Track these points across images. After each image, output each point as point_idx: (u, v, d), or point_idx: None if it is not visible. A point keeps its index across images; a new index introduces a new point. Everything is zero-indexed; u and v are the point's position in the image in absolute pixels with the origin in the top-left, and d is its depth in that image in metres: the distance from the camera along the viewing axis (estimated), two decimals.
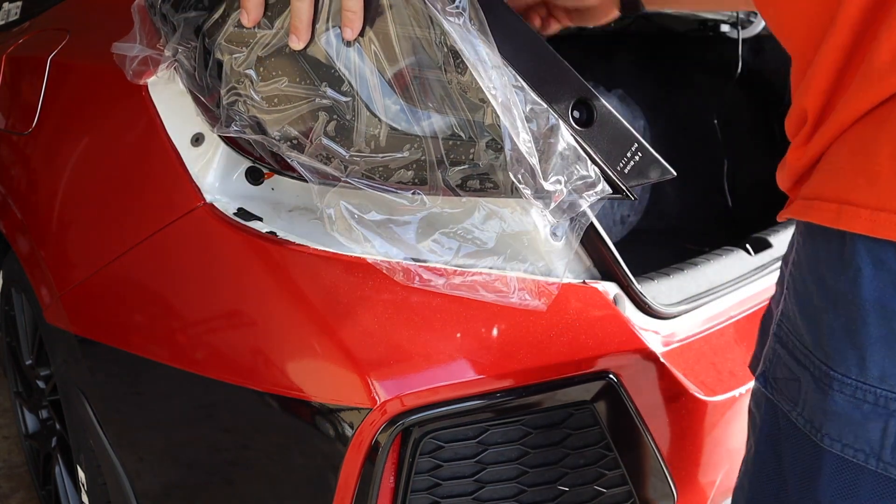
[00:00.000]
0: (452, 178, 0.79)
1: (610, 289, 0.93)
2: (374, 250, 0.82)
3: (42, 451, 1.59)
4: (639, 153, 0.83)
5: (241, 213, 0.89)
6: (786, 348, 0.62)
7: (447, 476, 0.85)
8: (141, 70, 0.91)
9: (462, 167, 0.79)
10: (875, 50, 0.52)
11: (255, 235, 0.87)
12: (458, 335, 0.83)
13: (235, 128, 0.81)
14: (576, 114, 0.80)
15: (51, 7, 1.51)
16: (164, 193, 0.94)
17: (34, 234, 1.19)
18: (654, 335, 0.96)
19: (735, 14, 1.88)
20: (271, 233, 0.86)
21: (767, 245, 1.28)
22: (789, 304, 0.63)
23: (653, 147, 0.85)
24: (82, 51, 1.22)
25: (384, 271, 0.83)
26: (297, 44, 0.76)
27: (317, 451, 0.85)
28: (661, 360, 0.92)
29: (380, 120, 0.78)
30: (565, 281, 0.88)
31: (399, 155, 0.78)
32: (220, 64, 0.82)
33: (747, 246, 1.26)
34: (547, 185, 0.77)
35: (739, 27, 1.91)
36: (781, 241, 1.30)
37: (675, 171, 0.85)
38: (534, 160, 0.75)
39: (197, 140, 0.92)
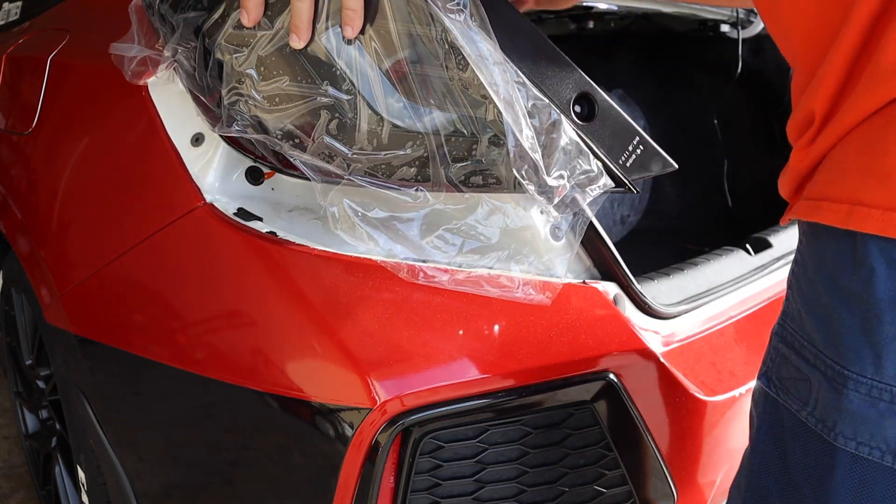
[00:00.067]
0: (455, 175, 0.79)
1: (610, 289, 0.93)
2: (378, 247, 0.82)
3: (42, 451, 1.59)
4: (640, 146, 0.83)
5: (241, 213, 0.89)
6: (792, 348, 0.62)
7: (447, 476, 0.85)
8: (140, 70, 0.91)
9: (465, 163, 0.79)
10: (882, 51, 0.52)
11: (255, 235, 0.87)
12: (458, 335, 0.83)
13: (237, 127, 0.81)
14: (577, 108, 0.81)
15: (51, 7, 1.51)
16: (164, 193, 0.94)
17: (34, 234, 1.19)
18: (654, 335, 0.96)
19: (735, 14, 1.88)
20: (271, 233, 0.86)
21: (767, 245, 1.28)
22: (794, 304, 0.63)
23: None
24: (82, 51, 1.22)
25: (389, 268, 0.83)
26: (297, 43, 0.76)
27: (317, 451, 0.85)
28: (661, 360, 0.92)
29: (382, 117, 0.78)
30: (565, 281, 0.88)
31: (401, 152, 0.79)
32: (220, 64, 0.82)
33: (747, 246, 1.26)
34: (550, 181, 0.77)
35: (739, 27, 1.91)
36: (781, 241, 1.30)
37: (675, 171, 0.85)
38: (537, 156, 0.76)
39: (197, 140, 0.92)
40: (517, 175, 0.76)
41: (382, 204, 0.83)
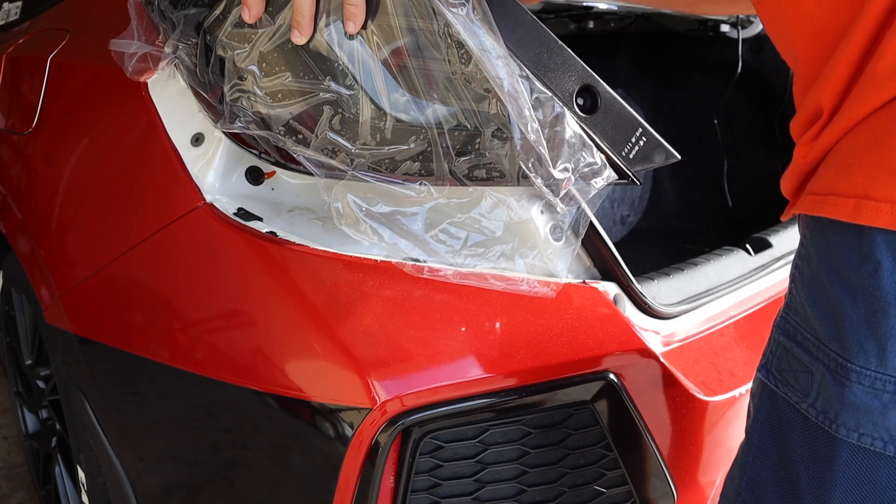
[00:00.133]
0: (459, 169, 0.79)
1: (610, 289, 0.93)
2: (383, 242, 0.82)
3: (42, 451, 1.59)
4: (643, 138, 0.83)
5: (241, 213, 0.89)
6: (794, 340, 0.63)
7: (447, 476, 0.85)
8: (141, 67, 0.91)
9: (468, 157, 0.79)
10: (888, 48, 0.54)
11: (255, 235, 0.87)
12: (459, 335, 0.83)
13: (240, 124, 0.81)
14: (580, 101, 0.81)
15: (51, 7, 1.51)
16: (165, 193, 0.94)
17: (34, 234, 1.19)
18: (654, 335, 0.96)
19: (735, 14, 1.88)
20: (271, 233, 0.86)
21: (767, 245, 1.28)
22: (797, 298, 0.63)
23: None
24: (82, 51, 1.22)
25: (394, 263, 0.83)
26: (299, 38, 0.76)
27: (317, 451, 0.85)
28: (661, 360, 0.92)
29: (384, 112, 0.78)
30: (566, 281, 0.88)
31: (405, 147, 0.79)
32: (222, 60, 0.82)
33: (747, 246, 1.26)
34: (556, 173, 0.78)
35: (739, 27, 1.91)
36: (781, 240, 1.30)
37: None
38: (542, 149, 0.76)
39: (197, 140, 0.92)
40: (524, 168, 0.77)
41: (386, 199, 0.83)
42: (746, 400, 0.99)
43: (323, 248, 0.85)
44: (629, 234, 2.19)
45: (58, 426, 1.49)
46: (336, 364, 0.82)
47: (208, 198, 0.90)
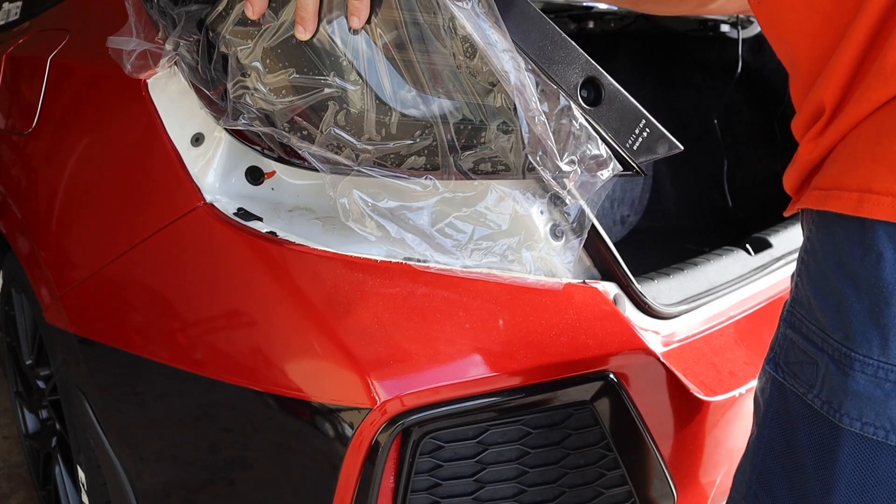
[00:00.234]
0: (464, 163, 0.79)
1: (610, 289, 0.93)
2: (390, 237, 0.82)
3: (42, 451, 1.59)
4: (647, 129, 0.84)
5: (241, 213, 0.89)
6: (799, 333, 0.64)
7: (447, 476, 0.85)
8: (140, 64, 0.91)
9: (473, 151, 0.79)
10: (891, 45, 0.55)
11: (255, 235, 0.87)
12: (459, 335, 0.83)
13: (243, 121, 0.81)
14: (584, 93, 0.81)
15: (51, 7, 1.51)
16: (165, 193, 0.94)
17: (34, 234, 1.19)
18: (654, 335, 0.96)
19: (735, 14, 1.88)
20: (271, 233, 0.86)
21: (767, 245, 1.28)
22: (803, 290, 0.64)
23: None
24: (82, 51, 1.22)
25: (394, 263, 0.83)
26: (303, 34, 0.76)
27: (317, 451, 0.85)
28: (661, 360, 0.92)
29: (389, 107, 0.78)
30: (566, 281, 0.89)
31: (410, 141, 0.79)
32: (224, 57, 0.82)
33: (747, 246, 1.26)
34: (563, 166, 0.78)
35: (739, 27, 1.91)
36: (781, 240, 1.30)
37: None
38: (549, 142, 0.76)
39: (197, 140, 0.92)
40: (532, 161, 0.77)
41: (392, 194, 0.83)
42: (747, 400, 1.00)
43: (323, 248, 0.85)
44: (629, 234, 2.19)
45: (58, 426, 1.49)
46: (336, 364, 0.82)
47: (208, 198, 0.90)
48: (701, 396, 0.95)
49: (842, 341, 0.59)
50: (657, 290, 1.04)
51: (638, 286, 0.95)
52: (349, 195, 0.81)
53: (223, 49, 0.81)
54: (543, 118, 0.77)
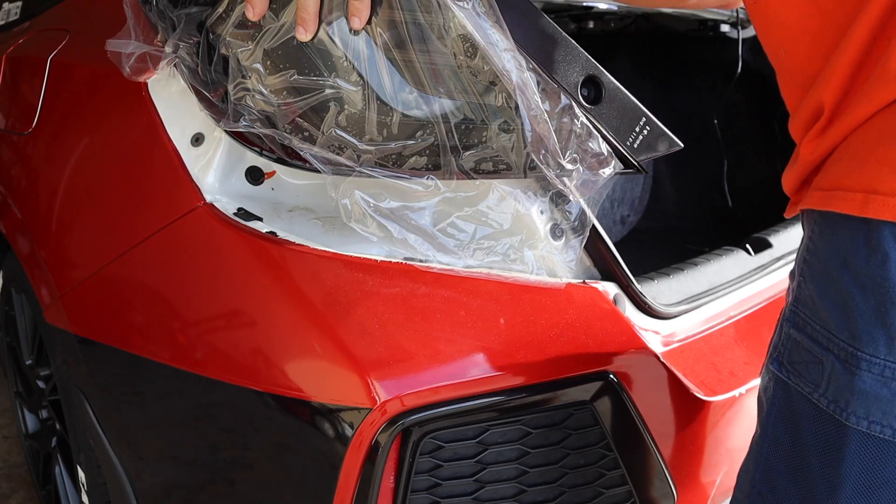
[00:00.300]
0: (466, 162, 0.79)
1: (610, 289, 0.93)
2: (392, 237, 0.83)
3: (42, 451, 1.59)
4: (647, 127, 0.84)
5: (241, 213, 0.89)
6: (804, 332, 0.64)
7: (447, 476, 0.85)
8: (139, 67, 0.91)
9: (475, 150, 0.79)
10: (894, 48, 0.55)
11: (255, 235, 0.87)
12: (459, 335, 0.83)
13: (244, 122, 0.81)
14: (584, 91, 0.81)
15: (51, 7, 1.51)
16: (165, 193, 0.94)
17: (34, 234, 1.19)
18: (654, 335, 0.96)
19: (735, 14, 1.88)
20: (271, 233, 0.86)
21: (767, 245, 1.28)
22: (806, 290, 0.64)
23: None
24: (82, 51, 1.22)
25: (394, 263, 0.83)
26: (304, 35, 0.76)
27: (317, 451, 0.85)
28: (661, 360, 0.92)
29: (391, 107, 0.78)
30: (566, 281, 0.89)
31: (411, 141, 0.79)
32: (225, 59, 0.81)
33: (747, 246, 1.26)
34: (565, 164, 0.78)
35: (739, 27, 1.91)
36: (781, 241, 1.30)
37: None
38: (552, 140, 0.76)
39: (197, 140, 0.92)
40: (536, 160, 0.77)
41: (394, 194, 0.83)
42: (747, 400, 1.00)
43: (323, 248, 0.85)
44: (629, 234, 2.19)
45: (58, 426, 1.49)
46: (336, 364, 0.82)
47: (208, 198, 0.90)
48: (701, 396, 0.95)
49: (848, 341, 0.59)
50: (657, 290, 1.04)
51: (638, 286, 0.95)
52: (351, 196, 0.81)
53: (223, 51, 0.81)
54: (545, 116, 0.77)
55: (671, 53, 2.17)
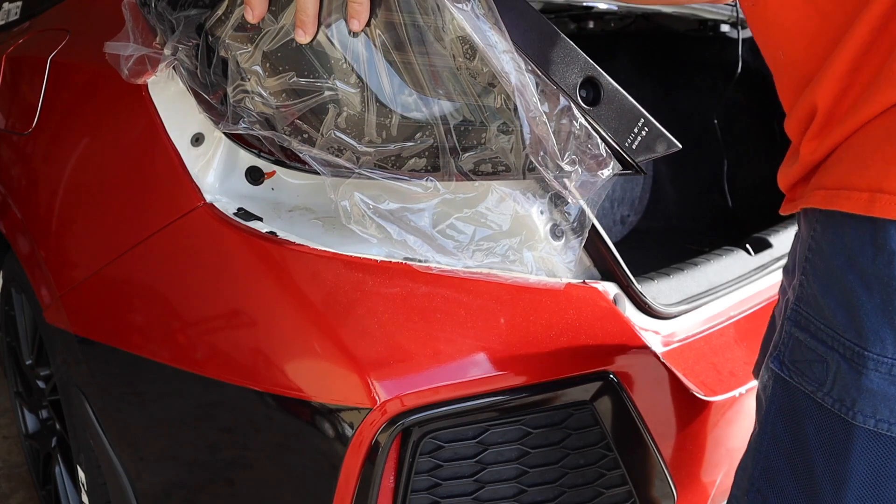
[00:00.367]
0: (465, 164, 0.79)
1: (610, 289, 0.93)
2: (391, 239, 0.83)
3: (42, 451, 1.59)
4: (645, 128, 0.84)
5: (241, 213, 0.89)
6: (807, 332, 0.64)
7: (447, 476, 0.85)
8: (138, 69, 0.91)
9: (474, 152, 0.79)
10: None
11: (255, 235, 0.87)
12: (459, 335, 0.83)
13: (244, 124, 0.81)
14: (583, 93, 0.82)
15: (51, 7, 1.51)
16: (165, 193, 0.94)
17: (34, 234, 1.19)
18: (654, 335, 0.96)
19: (735, 14, 1.88)
20: (271, 233, 0.86)
21: (767, 245, 1.28)
22: (809, 289, 0.64)
23: None
24: (82, 51, 1.22)
25: (394, 263, 0.83)
26: (303, 37, 0.76)
27: (317, 451, 0.85)
28: (661, 360, 0.92)
29: (390, 109, 0.78)
30: (566, 281, 0.89)
31: (410, 143, 0.79)
32: (224, 61, 0.82)
33: (747, 246, 1.26)
34: (564, 166, 0.78)
35: (739, 27, 1.91)
36: (781, 241, 1.30)
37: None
38: (551, 142, 0.76)
39: (197, 140, 0.92)
40: (535, 162, 0.77)
41: (393, 196, 0.83)
42: (747, 400, 1.00)
43: (323, 248, 0.85)
44: (629, 234, 2.19)
45: (58, 426, 1.49)
46: (336, 364, 0.82)
47: (208, 198, 0.90)
48: (701, 396, 0.95)
49: (854, 340, 0.59)
50: (657, 290, 1.04)
51: (638, 286, 0.95)
52: (350, 198, 0.82)
53: (223, 53, 0.81)
54: (544, 118, 0.77)
55: (671, 53, 2.17)
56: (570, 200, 0.85)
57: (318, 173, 0.81)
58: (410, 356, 0.82)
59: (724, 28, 1.96)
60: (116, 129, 1.05)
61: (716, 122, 2.03)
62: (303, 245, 0.85)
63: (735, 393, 0.99)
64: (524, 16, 0.80)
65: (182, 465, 1.01)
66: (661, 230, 2.17)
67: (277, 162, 0.90)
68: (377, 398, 0.80)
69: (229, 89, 0.81)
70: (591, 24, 1.95)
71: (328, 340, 0.82)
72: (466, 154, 0.79)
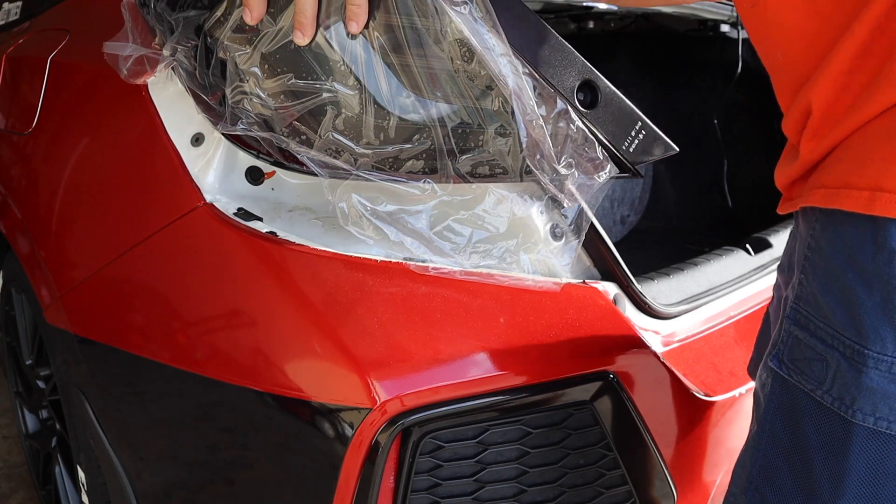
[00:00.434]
0: (462, 166, 0.79)
1: (610, 289, 0.93)
2: (389, 241, 0.83)
3: (42, 451, 1.59)
4: (643, 131, 0.84)
5: (241, 213, 0.89)
6: (806, 330, 0.64)
7: (447, 476, 0.85)
8: (137, 70, 0.91)
9: (471, 154, 0.79)
10: None
11: (255, 235, 0.87)
12: (458, 335, 0.83)
13: (242, 126, 0.81)
14: (580, 96, 0.82)
15: (51, 7, 1.51)
16: (165, 193, 0.94)
17: (34, 234, 1.19)
18: (654, 335, 0.96)
19: (735, 14, 1.88)
20: (271, 233, 0.86)
21: (767, 245, 1.28)
22: (808, 288, 0.65)
23: None
24: (82, 51, 1.22)
25: (394, 263, 0.83)
26: (302, 39, 0.76)
27: (317, 451, 0.85)
28: (661, 360, 0.92)
29: (388, 111, 0.78)
30: (566, 281, 0.89)
31: (408, 145, 0.79)
32: (222, 62, 0.82)
33: (747, 246, 1.26)
34: (560, 169, 0.78)
35: (739, 27, 1.91)
36: (781, 241, 1.30)
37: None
38: (548, 145, 0.76)
39: (197, 140, 0.92)
40: (531, 165, 0.77)
41: (391, 198, 0.83)
42: (747, 400, 1.00)
43: (323, 248, 0.85)
44: (629, 234, 2.19)
45: (58, 426, 1.49)
46: (336, 364, 0.82)
47: (208, 198, 0.90)
48: (701, 396, 0.95)
49: (854, 339, 0.59)
50: (657, 290, 1.04)
51: (638, 286, 0.95)
52: (348, 199, 0.82)
53: (221, 54, 0.81)
54: (541, 122, 0.77)
55: (671, 53, 2.17)
56: (565, 204, 0.84)
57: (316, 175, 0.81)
58: (410, 356, 0.82)
59: (724, 28, 1.96)
60: (116, 129, 1.05)
61: (716, 122, 2.03)
62: (303, 245, 0.85)
63: (735, 393, 0.99)
64: (522, 19, 0.80)
65: (182, 465, 1.01)
66: (661, 230, 2.17)
67: (277, 163, 0.90)
68: (377, 398, 0.80)
69: (228, 90, 0.81)
70: (591, 25, 1.95)
71: (328, 340, 0.82)
72: (464, 156, 0.79)
